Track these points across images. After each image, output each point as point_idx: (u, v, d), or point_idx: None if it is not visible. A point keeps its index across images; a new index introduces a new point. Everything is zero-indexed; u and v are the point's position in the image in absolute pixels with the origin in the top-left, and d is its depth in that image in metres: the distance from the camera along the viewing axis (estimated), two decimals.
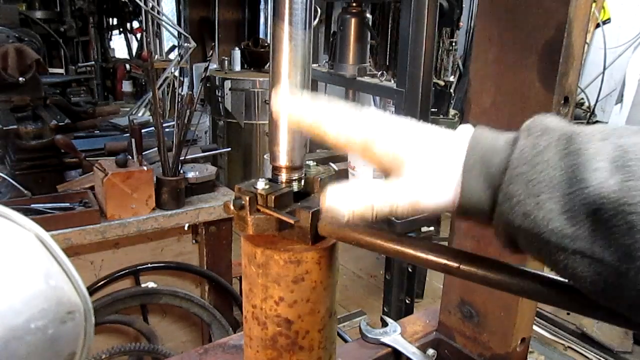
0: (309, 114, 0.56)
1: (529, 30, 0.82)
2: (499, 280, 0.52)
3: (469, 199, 0.49)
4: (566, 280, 0.49)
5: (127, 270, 1.91)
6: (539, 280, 0.50)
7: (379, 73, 2.47)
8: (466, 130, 0.52)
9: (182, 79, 5.52)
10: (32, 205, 1.77)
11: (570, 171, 0.43)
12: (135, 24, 6.29)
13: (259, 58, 5.08)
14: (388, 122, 0.55)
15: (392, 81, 2.35)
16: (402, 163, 0.52)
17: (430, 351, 1.08)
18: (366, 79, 2.53)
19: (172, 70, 4.28)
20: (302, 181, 0.72)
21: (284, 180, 0.70)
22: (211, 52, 4.57)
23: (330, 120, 0.56)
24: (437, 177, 0.51)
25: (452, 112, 3.41)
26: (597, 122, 4.01)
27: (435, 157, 0.51)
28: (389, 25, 3.37)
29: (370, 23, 2.60)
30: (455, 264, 0.54)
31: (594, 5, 3.06)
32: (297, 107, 0.57)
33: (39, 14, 4.50)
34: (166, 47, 6.60)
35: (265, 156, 3.67)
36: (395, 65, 2.79)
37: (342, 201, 0.53)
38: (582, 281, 0.43)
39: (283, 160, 0.70)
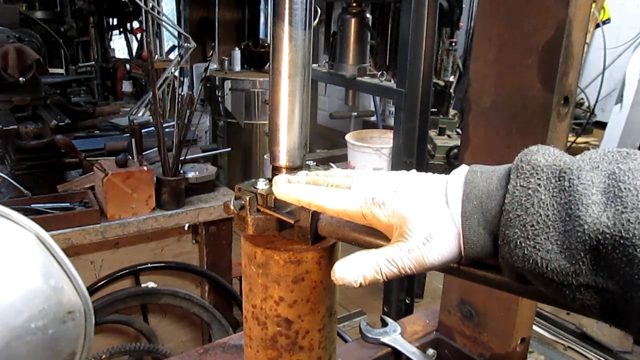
0: (305, 195, 0.59)
1: (529, 30, 0.82)
2: (499, 280, 0.52)
3: (473, 249, 0.49)
4: None
5: (127, 270, 1.91)
6: None
7: (379, 73, 2.47)
8: (459, 176, 0.52)
9: (182, 79, 5.52)
10: (32, 205, 1.77)
11: (564, 209, 0.43)
12: (135, 24, 6.29)
13: (259, 58, 5.08)
14: (378, 186, 0.55)
15: (392, 81, 2.35)
16: (403, 223, 0.52)
17: (430, 351, 1.08)
18: (366, 79, 2.53)
19: (172, 70, 4.27)
20: None
21: None
22: (211, 52, 4.57)
23: (325, 198, 0.57)
24: (437, 234, 0.50)
25: (452, 112, 3.41)
26: (596, 122, 4.02)
27: (433, 214, 0.51)
28: (389, 25, 3.37)
29: (370, 23, 2.60)
30: (455, 264, 0.54)
31: (593, 5, 3.06)
32: (294, 191, 0.60)
33: (39, 14, 4.50)
34: (166, 47, 6.61)
35: (265, 156, 3.67)
36: (395, 65, 2.79)
37: (350, 272, 0.53)
38: (592, 309, 0.43)
39: (283, 160, 0.70)
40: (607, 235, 0.40)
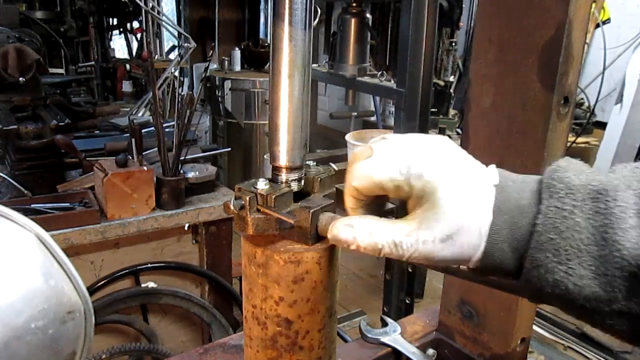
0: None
1: (529, 30, 0.82)
2: (499, 280, 0.52)
3: (492, 264, 0.47)
4: None
5: (127, 270, 1.91)
6: None
7: (379, 73, 2.47)
8: (491, 179, 0.48)
9: (182, 79, 5.52)
10: (32, 205, 1.77)
11: (599, 233, 0.41)
12: (135, 24, 6.29)
13: (259, 58, 5.08)
14: (410, 152, 0.50)
15: (392, 81, 2.35)
16: (431, 207, 0.48)
17: (430, 351, 1.08)
18: (366, 79, 2.53)
19: (172, 70, 4.27)
20: (302, 181, 0.72)
21: (284, 180, 0.70)
22: (211, 52, 4.57)
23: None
24: (459, 237, 0.47)
25: (452, 112, 3.41)
26: (596, 122, 4.02)
27: (463, 213, 0.47)
28: (389, 25, 3.37)
29: (370, 23, 2.60)
30: (464, 267, 0.54)
31: (593, 5, 3.06)
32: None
33: (39, 14, 4.50)
34: (166, 47, 6.60)
35: (265, 156, 3.67)
36: (395, 65, 2.79)
37: (350, 236, 0.51)
38: (622, 334, 0.42)
39: (283, 160, 0.70)
40: None
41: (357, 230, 0.51)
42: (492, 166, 0.50)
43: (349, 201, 0.55)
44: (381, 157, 0.50)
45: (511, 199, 0.46)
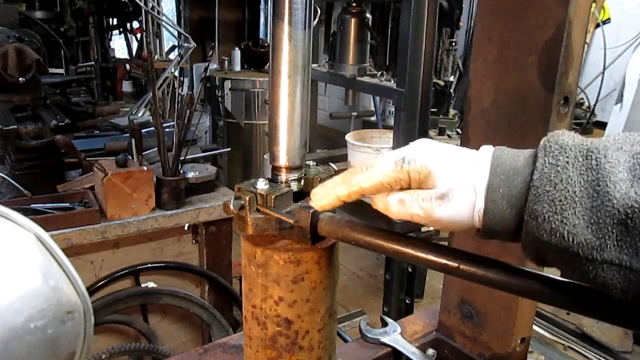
0: (341, 188, 0.59)
1: (529, 30, 0.82)
2: (499, 280, 0.52)
3: (493, 220, 0.51)
4: (566, 280, 0.49)
5: (127, 270, 1.91)
6: (539, 280, 0.50)
7: (379, 73, 2.47)
8: (487, 151, 0.54)
9: (182, 79, 5.52)
10: (32, 205, 1.77)
11: (591, 187, 0.44)
12: (135, 24, 6.28)
13: (259, 58, 5.08)
14: (407, 147, 0.57)
15: (392, 81, 2.35)
16: (427, 177, 0.54)
17: (430, 351, 1.08)
18: (366, 79, 2.53)
19: (172, 70, 4.27)
20: (302, 181, 0.72)
21: (283, 180, 0.70)
22: (211, 52, 4.56)
23: (360, 178, 0.58)
24: (455, 195, 0.53)
25: (452, 112, 3.41)
26: (597, 122, 4.01)
27: (457, 175, 0.53)
28: (389, 25, 3.37)
29: (370, 23, 2.60)
30: (455, 264, 0.54)
31: (593, 5, 3.05)
32: (330, 191, 0.60)
33: (39, 14, 4.49)
34: (166, 47, 6.60)
35: (265, 156, 3.67)
36: (395, 65, 2.79)
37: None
38: (613, 289, 0.44)
39: (283, 160, 0.70)
40: (636, 209, 0.42)
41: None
42: (486, 146, 0.55)
43: (346, 193, 0.60)
44: (382, 159, 0.57)
45: (506, 163, 0.51)
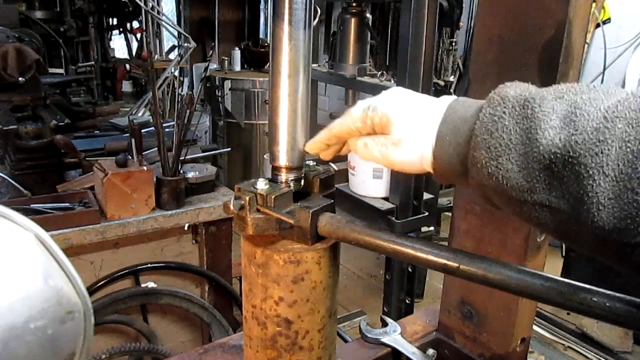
0: (324, 134, 0.67)
1: (529, 30, 0.81)
2: (499, 280, 0.52)
3: (441, 165, 0.56)
4: (566, 280, 0.50)
5: (127, 270, 1.91)
6: (539, 280, 0.50)
7: (379, 73, 2.47)
8: (445, 102, 0.58)
9: (182, 79, 5.52)
10: (32, 205, 1.77)
11: (525, 134, 0.48)
12: (135, 24, 6.28)
13: (259, 58, 5.08)
14: (377, 97, 0.64)
15: (392, 81, 2.35)
16: (386, 124, 0.61)
17: (430, 351, 1.08)
18: (366, 79, 2.52)
19: (172, 70, 4.27)
20: (302, 181, 0.72)
21: (283, 180, 0.70)
22: (211, 52, 4.56)
23: (337, 124, 0.65)
24: (407, 142, 0.59)
25: None
26: None
27: (411, 125, 0.59)
28: (389, 25, 3.37)
29: (370, 23, 2.60)
30: (455, 264, 0.54)
31: (594, 5, 3.05)
32: (317, 138, 0.68)
33: (39, 14, 4.49)
34: (166, 47, 6.60)
35: (265, 156, 3.67)
36: (395, 65, 2.79)
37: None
38: (547, 228, 0.49)
39: (283, 160, 0.70)
40: (558, 155, 0.45)
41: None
42: (447, 96, 0.60)
43: (324, 137, 0.67)
44: (355, 107, 0.64)
45: (458, 113, 0.56)
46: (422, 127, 0.58)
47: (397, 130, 0.60)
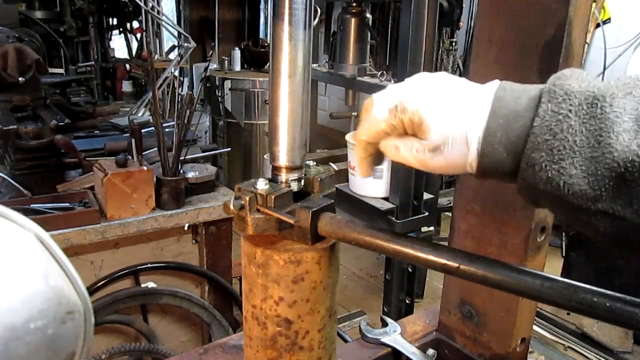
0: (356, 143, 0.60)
1: (529, 30, 0.81)
2: (499, 280, 0.52)
3: (489, 163, 0.50)
4: (566, 280, 0.49)
5: (127, 270, 1.91)
6: (539, 280, 0.50)
7: (379, 73, 2.47)
8: (489, 90, 0.52)
9: (182, 79, 5.51)
10: (32, 205, 1.77)
11: (593, 136, 0.43)
12: (135, 24, 6.28)
13: (259, 58, 5.08)
14: (400, 91, 0.56)
15: (392, 81, 2.35)
16: (420, 126, 0.53)
17: (430, 351, 1.08)
18: (366, 79, 2.53)
19: (172, 70, 4.27)
20: (302, 181, 0.72)
21: (283, 180, 0.70)
22: (211, 52, 4.57)
23: (361, 131, 0.59)
24: (449, 146, 0.52)
25: None
26: None
27: (450, 125, 0.52)
28: (389, 25, 3.37)
29: (370, 23, 2.60)
30: (455, 264, 0.54)
31: (594, 5, 3.05)
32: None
33: (39, 14, 4.49)
34: (166, 47, 6.59)
35: (265, 156, 3.67)
36: (395, 65, 2.79)
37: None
38: (604, 236, 0.45)
39: (283, 160, 0.69)
40: (636, 163, 0.41)
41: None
42: (493, 81, 0.53)
43: (359, 151, 0.61)
44: (377, 106, 0.57)
45: (508, 105, 0.49)
46: (465, 125, 0.51)
47: (435, 135, 0.52)
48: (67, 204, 1.82)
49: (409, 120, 0.54)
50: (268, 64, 0.69)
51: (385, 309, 2.41)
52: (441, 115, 0.52)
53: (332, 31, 3.16)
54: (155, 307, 2.05)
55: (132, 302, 1.91)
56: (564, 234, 3.35)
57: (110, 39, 6.32)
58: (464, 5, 3.23)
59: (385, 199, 2.27)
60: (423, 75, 0.57)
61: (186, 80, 5.72)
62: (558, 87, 0.47)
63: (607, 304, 0.47)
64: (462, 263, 0.54)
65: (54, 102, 2.33)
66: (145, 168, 1.85)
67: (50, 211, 1.76)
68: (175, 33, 4.70)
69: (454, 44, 3.37)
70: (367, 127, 0.57)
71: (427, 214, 2.25)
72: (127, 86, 6.22)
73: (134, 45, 6.50)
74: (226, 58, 5.04)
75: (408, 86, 0.56)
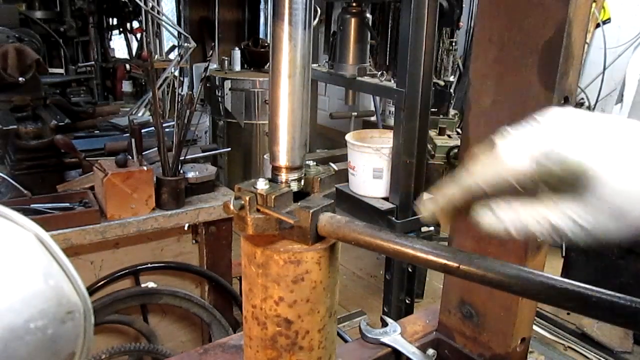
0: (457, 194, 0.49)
1: (529, 30, 0.81)
2: (499, 280, 0.52)
3: None
4: (566, 280, 0.49)
5: (127, 270, 1.91)
6: (539, 280, 0.50)
7: (379, 73, 2.47)
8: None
9: (182, 79, 5.52)
10: (32, 205, 1.77)
11: None
12: (135, 24, 6.28)
13: (259, 58, 5.08)
14: (548, 137, 0.44)
15: (392, 81, 2.35)
16: (586, 185, 0.43)
17: (430, 351, 1.08)
18: (366, 79, 2.52)
19: (172, 70, 4.27)
20: (302, 181, 0.72)
21: (283, 180, 0.70)
22: (211, 52, 4.57)
23: (479, 176, 0.48)
24: (626, 213, 0.42)
25: (452, 112, 3.41)
26: None
27: (627, 184, 0.42)
28: (389, 25, 3.37)
29: (370, 23, 2.60)
30: (455, 264, 0.54)
31: (594, 5, 3.06)
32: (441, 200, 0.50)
33: (39, 14, 4.49)
34: (166, 47, 6.60)
35: (265, 156, 3.67)
36: (395, 65, 2.79)
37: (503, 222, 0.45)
38: None
39: (283, 160, 0.70)
40: None
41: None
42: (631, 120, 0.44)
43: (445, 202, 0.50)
44: (505, 153, 0.46)
45: None
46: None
47: (607, 199, 0.41)
48: (67, 204, 1.82)
49: (565, 173, 0.42)
50: (268, 64, 0.69)
51: (385, 309, 2.41)
52: (613, 166, 0.42)
53: (332, 31, 3.16)
54: (155, 307, 2.05)
55: (132, 302, 1.91)
56: None
57: (110, 39, 6.32)
58: (464, 5, 3.22)
59: (385, 199, 2.27)
60: (572, 113, 0.45)
61: (186, 80, 5.72)
62: None
63: (607, 304, 0.47)
64: (462, 263, 0.54)
65: (54, 102, 2.33)
66: (145, 168, 1.85)
67: (50, 211, 1.76)
68: (175, 33, 4.71)
69: (454, 44, 3.37)
70: (493, 174, 0.45)
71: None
72: (127, 86, 6.22)
73: (134, 45, 6.50)
74: (226, 58, 5.04)
75: (554, 129, 0.44)
